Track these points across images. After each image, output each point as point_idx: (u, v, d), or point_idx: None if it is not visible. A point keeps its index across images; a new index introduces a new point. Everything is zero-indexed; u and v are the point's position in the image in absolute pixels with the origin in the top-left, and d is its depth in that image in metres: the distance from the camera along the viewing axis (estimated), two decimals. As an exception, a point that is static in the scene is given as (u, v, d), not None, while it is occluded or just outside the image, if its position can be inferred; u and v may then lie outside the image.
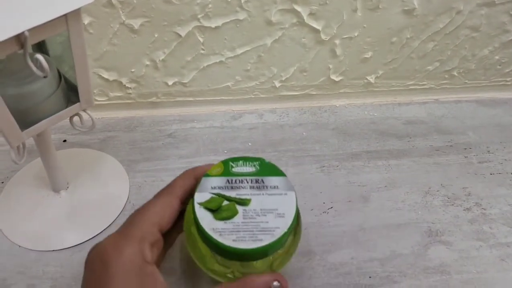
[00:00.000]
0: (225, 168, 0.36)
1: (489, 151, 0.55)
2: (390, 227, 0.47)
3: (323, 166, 0.53)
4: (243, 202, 0.33)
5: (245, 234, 0.32)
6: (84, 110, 0.41)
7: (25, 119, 0.37)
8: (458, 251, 0.45)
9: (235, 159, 0.36)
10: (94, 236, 0.44)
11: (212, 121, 0.58)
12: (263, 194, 0.34)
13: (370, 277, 0.42)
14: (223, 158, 0.37)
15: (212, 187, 0.34)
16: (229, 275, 0.34)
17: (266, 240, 0.32)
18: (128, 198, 0.48)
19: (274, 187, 0.35)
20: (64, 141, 0.54)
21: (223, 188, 0.34)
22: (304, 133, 0.57)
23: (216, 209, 0.33)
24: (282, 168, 0.51)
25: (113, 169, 0.51)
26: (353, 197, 0.49)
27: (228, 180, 0.35)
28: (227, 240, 0.31)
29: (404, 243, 0.45)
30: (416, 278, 0.43)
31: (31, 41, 0.31)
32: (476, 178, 0.52)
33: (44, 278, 0.41)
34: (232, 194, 0.34)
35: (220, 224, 0.32)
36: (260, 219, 0.33)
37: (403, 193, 0.50)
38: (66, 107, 0.39)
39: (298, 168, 0.52)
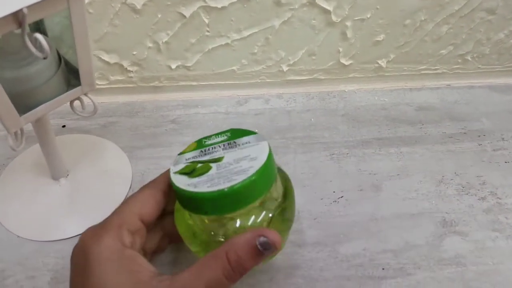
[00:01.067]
0: (198, 144, 0.37)
1: (503, 139, 0.54)
2: (403, 217, 0.45)
3: (333, 154, 0.51)
4: (216, 160, 0.33)
5: (220, 180, 0.31)
6: (86, 94, 0.38)
7: (23, 104, 0.35)
8: (474, 242, 0.43)
9: (207, 137, 0.37)
10: (96, 226, 0.43)
11: (217, 107, 0.56)
12: (235, 150, 0.34)
13: (383, 269, 0.41)
14: None
15: (186, 159, 0.35)
16: (220, 239, 0.32)
17: (239, 179, 0.30)
18: (130, 186, 0.46)
19: (246, 142, 0.35)
20: (63, 126, 0.52)
21: (196, 157, 0.35)
22: (312, 119, 0.55)
23: (190, 171, 0.33)
24: (290, 156, 0.50)
25: (115, 156, 0.49)
26: (364, 186, 0.48)
27: (201, 151, 0.36)
28: (202, 188, 0.30)
29: (418, 233, 0.44)
30: (430, 270, 0.41)
31: (29, 19, 0.29)
32: (491, 166, 0.50)
33: (44, 269, 0.40)
34: (205, 158, 0.34)
35: (195, 180, 0.32)
36: (234, 166, 0.32)
37: (416, 181, 0.48)
38: (67, 90, 0.37)
39: (307, 156, 0.50)
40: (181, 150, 0.37)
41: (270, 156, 0.32)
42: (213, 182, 0.31)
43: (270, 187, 0.32)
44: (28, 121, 0.35)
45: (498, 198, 0.47)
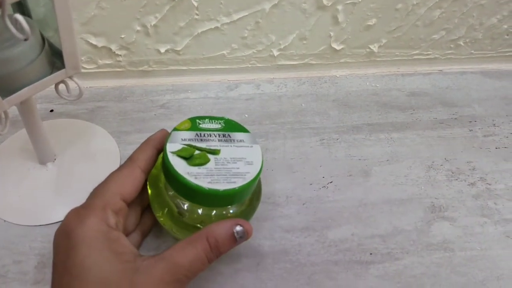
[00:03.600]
0: (193, 124, 0.37)
1: (494, 125, 0.53)
2: (392, 202, 0.45)
3: (323, 139, 0.51)
4: (214, 152, 0.35)
5: (219, 177, 0.33)
6: (71, 77, 0.38)
7: (6, 86, 0.34)
8: (462, 227, 0.44)
9: (201, 117, 0.38)
10: (83, 211, 0.42)
11: (207, 92, 0.55)
12: (231, 146, 0.36)
13: (371, 253, 0.41)
14: None
15: (182, 139, 0.36)
16: (198, 225, 0.36)
17: (238, 182, 0.33)
18: (119, 171, 0.46)
19: (240, 140, 0.37)
20: (51, 111, 0.51)
21: (192, 140, 0.36)
22: (303, 105, 0.54)
23: (188, 157, 0.34)
24: (280, 141, 0.50)
25: (103, 140, 0.49)
26: (354, 171, 0.48)
27: (197, 134, 0.36)
28: (202, 183, 0.32)
29: (407, 219, 0.44)
30: (418, 255, 0.41)
31: (9, 0, 0.28)
32: (481, 152, 0.50)
33: (31, 254, 0.39)
34: (202, 145, 0.35)
35: (195, 169, 0.33)
36: (231, 166, 0.34)
37: (406, 167, 0.48)
38: (51, 73, 0.36)
39: (297, 141, 0.50)
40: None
41: (262, 164, 0.36)
42: (213, 178, 0.33)
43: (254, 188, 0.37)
44: (12, 104, 0.35)
45: (487, 184, 0.47)
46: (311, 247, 0.41)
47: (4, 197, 0.43)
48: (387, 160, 0.49)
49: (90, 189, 0.43)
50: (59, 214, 0.42)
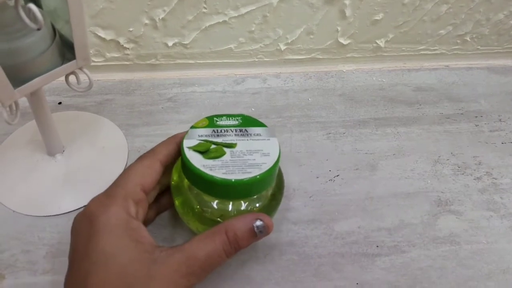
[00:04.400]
0: (210, 122, 0.37)
1: (500, 120, 0.54)
2: (399, 196, 0.45)
3: (329, 133, 0.51)
4: (230, 145, 0.35)
5: (234, 168, 0.33)
6: (81, 69, 0.38)
7: (17, 76, 0.34)
8: (468, 221, 0.44)
9: (218, 116, 0.38)
10: (92, 202, 0.43)
11: (214, 85, 0.56)
12: (247, 140, 0.36)
13: (377, 246, 0.41)
14: None
15: (199, 135, 0.36)
16: (218, 219, 0.35)
17: (254, 172, 0.33)
18: (126, 163, 0.46)
19: (257, 134, 0.37)
20: (60, 103, 0.52)
21: (209, 136, 0.36)
22: (309, 99, 0.55)
23: (204, 151, 0.34)
24: (287, 135, 0.50)
25: (111, 133, 0.49)
26: (360, 165, 0.48)
27: (214, 130, 0.36)
28: (217, 173, 0.32)
29: (413, 212, 0.44)
30: (425, 248, 0.41)
31: (22, -10, 0.29)
32: (487, 147, 0.50)
33: (39, 244, 0.40)
34: (218, 140, 0.36)
35: (210, 162, 0.33)
36: (247, 157, 0.34)
37: (412, 161, 0.48)
38: (62, 64, 0.37)
39: (304, 135, 0.50)
40: (178, 128, 0.38)
41: (279, 155, 0.35)
42: (228, 169, 0.33)
43: (274, 181, 0.36)
44: (23, 94, 0.35)
45: (493, 178, 0.47)
46: (318, 239, 0.41)
47: (13, 188, 0.43)
48: (394, 154, 0.49)
49: (98, 181, 0.44)
50: (67, 205, 0.42)
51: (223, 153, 0.34)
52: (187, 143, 0.35)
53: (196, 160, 0.33)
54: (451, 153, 0.49)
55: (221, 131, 0.36)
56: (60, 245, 0.40)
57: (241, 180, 0.32)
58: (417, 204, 0.45)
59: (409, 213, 0.44)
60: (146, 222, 0.38)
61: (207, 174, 0.32)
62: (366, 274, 0.39)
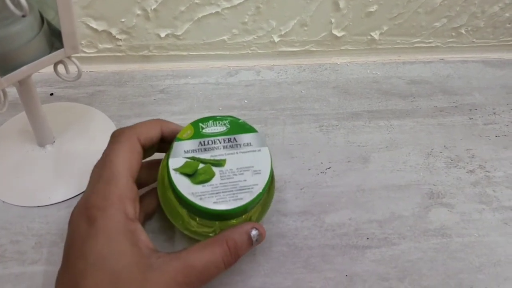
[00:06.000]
0: (195, 130, 0.35)
1: (495, 113, 0.53)
2: (390, 188, 0.45)
3: (322, 126, 0.50)
4: (219, 163, 0.33)
5: (225, 195, 0.32)
6: (69, 58, 0.38)
7: (4, 65, 0.34)
8: (460, 213, 0.43)
9: (204, 120, 0.36)
10: (81, 193, 0.42)
11: (207, 77, 0.55)
12: (237, 153, 0.34)
13: (367, 238, 0.41)
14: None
15: (185, 151, 0.34)
16: (210, 235, 0.34)
17: (246, 198, 0.32)
18: (117, 154, 0.46)
19: (247, 144, 0.35)
20: (51, 94, 0.51)
21: (196, 151, 0.34)
22: (303, 91, 0.54)
23: (192, 173, 0.33)
24: (279, 127, 0.50)
25: (102, 124, 0.49)
26: (352, 158, 0.47)
27: (200, 142, 0.35)
28: (208, 203, 0.31)
29: (404, 205, 0.44)
30: (415, 240, 0.41)
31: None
32: (481, 140, 0.50)
33: (28, 234, 0.40)
34: (206, 156, 0.34)
35: (199, 188, 0.32)
36: (238, 178, 0.33)
37: (405, 154, 0.48)
38: (50, 53, 0.36)
39: (296, 127, 0.50)
40: (170, 120, 0.37)
41: (271, 171, 0.34)
42: (218, 197, 0.32)
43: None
44: (10, 82, 0.35)
45: (486, 171, 0.47)
46: (308, 231, 0.41)
47: (2, 178, 0.43)
48: (386, 147, 0.49)
49: (88, 172, 0.43)
50: (57, 195, 0.42)
51: (212, 175, 0.33)
52: (173, 164, 0.33)
53: (184, 186, 0.32)
54: (444, 146, 0.49)
55: (208, 142, 0.35)
56: (49, 235, 0.40)
57: (233, 208, 0.32)
58: (408, 197, 0.44)
59: (401, 205, 0.44)
60: (147, 216, 0.38)
61: (197, 205, 0.31)
62: (356, 266, 0.39)
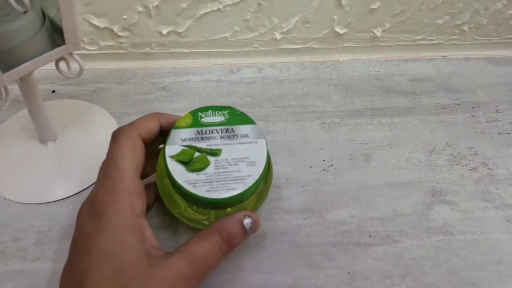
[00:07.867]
0: (194, 119, 0.36)
1: (497, 111, 0.53)
2: (393, 186, 0.45)
3: (324, 123, 0.50)
4: (214, 153, 0.34)
5: (218, 184, 0.32)
6: (71, 54, 0.38)
7: (6, 61, 0.34)
8: (463, 211, 0.43)
9: (203, 109, 0.36)
10: (83, 190, 0.42)
11: (209, 75, 0.55)
12: (233, 144, 0.34)
13: (370, 236, 0.41)
14: None
15: (182, 139, 0.34)
16: (205, 222, 0.35)
17: (239, 188, 0.32)
18: (119, 152, 0.46)
19: (244, 135, 0.35)
20: (53, 91, 0.51)
21: (193, 139, 0.34)
22: (305, 89, 0.54)
23: (188, 161, 0.33)
24: (281, 124, 0.50)
25: (104, 121, 0.49)
26: (355, 155, 0.47)
27: (198, 131, 0.35)
28: (201, 191, 0.32)
29: (407, 202, 0.44)
30: (418, 238, 0.41)
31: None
32: (484, 138, 0.50)
33: (30, 231, 0.40)
34: (202, 145, 0.34)
35: (193, 176, 0.32)
36: (232, 168, 0.33)
37: (407, 151, 0.48)
38: (51, 49, 0.36)
39: (298, 124, 0.50)
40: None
41: (267, 163, 0.34)
42: (211, 185, 0.32)
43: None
44: (12, 79, 0.35)
45: (489, 169, 0.47)
46: (310, 229, 0.41)
47: (4, 175, 0.43)
48: (389, 144, 0.48)
49: (90, 169, 0.43)
50: (59, 192, 0.42)
51: (207, 163, 0.33)
52: (169, 151, 0.33)
53: (179, 173, 0.32)
54: (447, 143, 0.49)
55: (205, 132, 0.35)
56: (50, 232, 0.40)
57: (225, 198, 0.32)
58: (411, 194, 0.44)
59: (403, 203, 0.43)
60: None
61: (190, 192, 0.32)
62: (357, 264, 0.39)
